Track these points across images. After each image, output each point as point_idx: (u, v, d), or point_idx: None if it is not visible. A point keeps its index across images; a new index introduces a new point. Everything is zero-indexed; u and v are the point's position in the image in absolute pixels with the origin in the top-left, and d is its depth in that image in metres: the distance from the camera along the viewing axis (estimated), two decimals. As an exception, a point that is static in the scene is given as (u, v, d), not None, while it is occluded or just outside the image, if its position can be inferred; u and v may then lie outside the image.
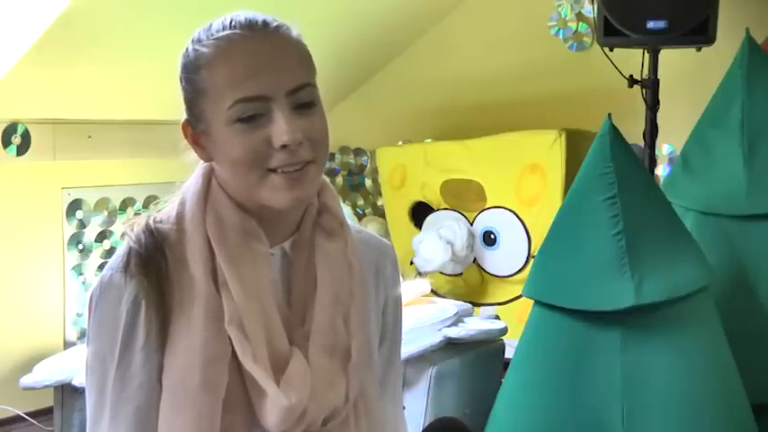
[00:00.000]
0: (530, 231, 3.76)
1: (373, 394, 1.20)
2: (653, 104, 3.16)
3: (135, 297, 1.10)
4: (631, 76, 3.15)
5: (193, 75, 1.11)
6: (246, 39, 1.09)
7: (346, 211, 4.23)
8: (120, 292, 1.11)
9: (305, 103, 1.10)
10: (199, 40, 1.11)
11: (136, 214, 1.21)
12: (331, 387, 1.13)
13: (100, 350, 1.12)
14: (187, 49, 1.13)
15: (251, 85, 1.07)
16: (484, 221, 3.93)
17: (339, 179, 4.68)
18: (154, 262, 1.11)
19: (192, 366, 1.08)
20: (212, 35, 1.10)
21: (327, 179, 1.24)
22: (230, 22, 1.10)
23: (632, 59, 3.18)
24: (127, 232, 1.14)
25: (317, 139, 1.10)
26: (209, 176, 1.16)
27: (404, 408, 1.38)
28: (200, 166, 1.18)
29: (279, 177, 1.08)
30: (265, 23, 1.10)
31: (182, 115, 1.15)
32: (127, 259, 1.11)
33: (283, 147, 1.07)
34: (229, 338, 1.09)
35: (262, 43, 1.09)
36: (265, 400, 1.09)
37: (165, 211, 1.17)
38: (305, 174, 1.09)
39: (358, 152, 4.67)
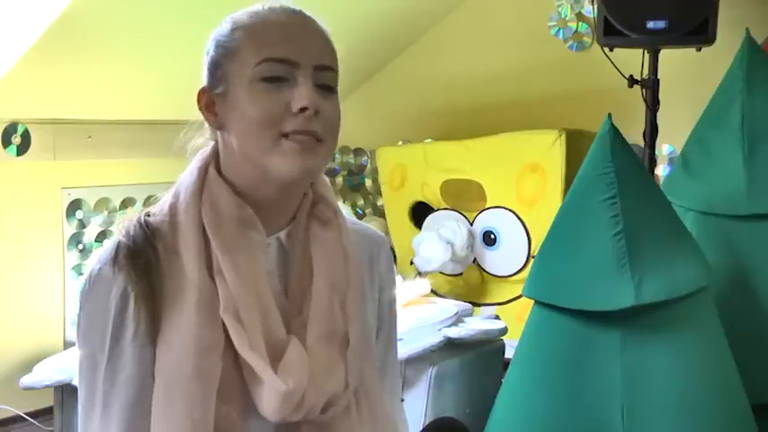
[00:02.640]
0: (530, 231, 3.77)
1: (373, 383, 1.20)
2: (653, 104, 3.16)
3: (124, 290, 1.10)
4: (631, 76, 3.15)
5: (226, 38, 1.14)
6: (285, 13, 1.14)
7: (346, 211, 4.24)
8: (108, 284, 1.11)
9: (327, 85, 1.12)
10: (237, 14, 1.15)
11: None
12: (330, 373, 1.12)
13: (90, 344, 1.12)
14: (223, 22, 1.16)
15: (282, 47, 1.10)
16: (484, 221, 3.93)
17: (339, 179, 4.68)
18: (143, 254, 1.11)
19: (184, 356, 1.08)
20: (251, 10, 1.15)
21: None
22: (268, 5, 1.15)
23: (632, 59, 3.18)
24: (118, 227, 1.15)
25: (331, 124, 1.12)
26: (205, 166, 1.16)
27: (402, 400, 1.38)
28: (196, 158, 1.19)
29: (291, 143, 1.09)
30: (302, 10, 1.15)
31: (201, 83, 1.17)
32: (115, 252, 1.12)
33: (301, 110, 1.08)
34: (223, 327, 1.09)
35: (298, 19, 1.14)
36: (262, 387, 1.08)
37: (157, 205, 1.17)
38: (316, 147, 1.11)
39: (358, 152, 4.67)
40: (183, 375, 1.08)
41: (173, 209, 1.14)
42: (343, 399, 1.14)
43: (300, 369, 1.09)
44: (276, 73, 1.10)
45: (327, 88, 1.12)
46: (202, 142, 1.21)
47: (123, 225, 1.14)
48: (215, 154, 1.17)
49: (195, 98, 1.17)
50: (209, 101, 1.15)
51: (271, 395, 1.08)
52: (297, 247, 1.17)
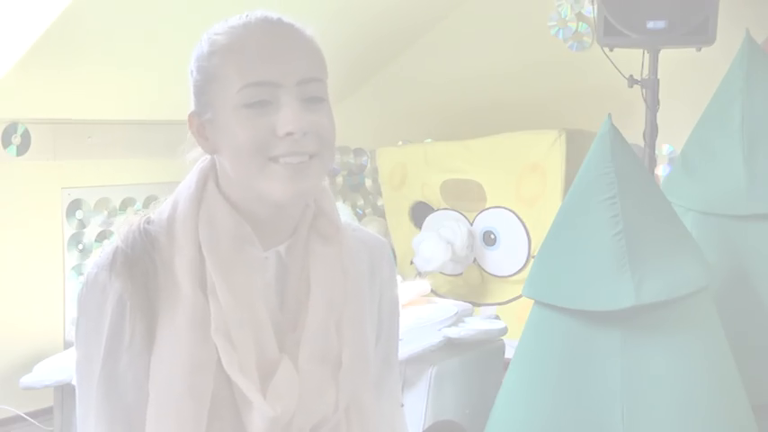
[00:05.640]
0: (530, 231, 3.76)
1: (367, 401, 1.18)
2: (653, 104, 3.16)
3: (120, 297, 1.09)
4: (631, 76, 3.15)
5: (206, 62, 1.11)
6: (261, 28, 1.10)
7: (346, 211, 4.24)
8: (105, 290, 1.10)
9: (314, 97, 1.09)
10: (215, 32, 1.12)
11: (136, 214, 1.19)
12: (320, 396, 1.11)
13: (86, 349, 1.12)
14: (201, 41, 1.13)
15: (261, 71, 1.07)
16: (484, 221, 3.92)
17: (339, 179, 4.67)
18: (141, 263, 1.10)
19: (175, 373, 1.07)
20: (228, 26, 1.11)
21: (326, 181, 1.24)
22: (246, 16, 1.11)
23: (632, 59, 3.18)
24: (117, 231, 1.14)
25: (324, 135, 1.10)
26: (204, 179, 1.15)
27: (402, 405, 1.37)
28: (195, 169, 1.17)
29: (280, 167, 1.07)
30: (280, 19, 1.12)
31: (189, 107, 1.14)
32: (113, 258, 1.11)
33: (287, 135, 1.06)
34: (216, 346, 1.08)
35: (276, 33, 1.10)
36: (251, 408, 1.08)
37: (157, 212, 1.16)
38: (308, 167, 1.08)
39: (358, 152, 4.67)
40: (174, 392, 1.07)
41: (170, 220, 1.13)
42: (333, 420, 1.13)
43: (290, 392, 1.09)
44: (258, 97, 1.07)
45: (316, 100, 1.09)
46: (200, 153, 1.19)
47: (122, 230, 1.13)
48: (214, 165, 1.16)
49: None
50: (200, 125, 1.13)
51: (259, 418, 1.07)
52: (296, 261, 1.16)
